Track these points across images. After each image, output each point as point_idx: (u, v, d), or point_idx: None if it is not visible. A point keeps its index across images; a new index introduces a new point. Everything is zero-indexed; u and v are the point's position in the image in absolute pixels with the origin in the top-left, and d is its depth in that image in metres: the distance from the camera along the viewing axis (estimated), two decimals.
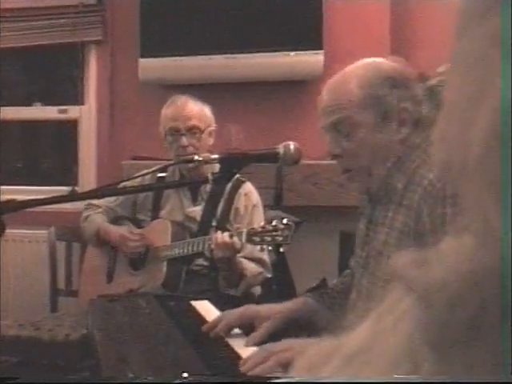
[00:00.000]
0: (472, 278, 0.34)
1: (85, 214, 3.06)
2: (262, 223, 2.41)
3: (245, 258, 2.66)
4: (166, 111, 2.92)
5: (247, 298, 2.69)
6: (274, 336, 1.67)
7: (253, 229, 2.38)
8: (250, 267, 2.68)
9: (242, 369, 1.42)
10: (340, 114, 1.63)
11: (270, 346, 1.51)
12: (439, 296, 0.35)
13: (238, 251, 2.50)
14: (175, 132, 2.85)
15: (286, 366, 1.38)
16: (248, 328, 1.75)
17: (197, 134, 2.84)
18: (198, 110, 2.89)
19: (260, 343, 1.63)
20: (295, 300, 1.86)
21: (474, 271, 0.34)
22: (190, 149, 2.78)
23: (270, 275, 2.77)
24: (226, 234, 2.46)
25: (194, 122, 2.85)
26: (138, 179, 2.70)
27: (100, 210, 3.04)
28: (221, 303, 2.49)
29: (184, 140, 2.82)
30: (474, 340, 0.33)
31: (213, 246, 2.50)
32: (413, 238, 1.50)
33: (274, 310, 1.75)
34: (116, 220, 3.04)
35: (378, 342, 0.39)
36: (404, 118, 1.61)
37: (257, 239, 2.34)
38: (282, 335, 1.66)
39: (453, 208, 1.43)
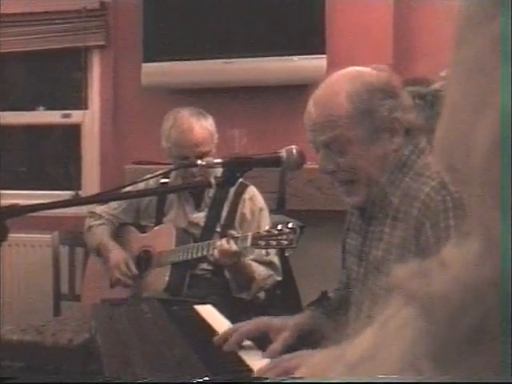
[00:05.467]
0: (475, 288, 0.33)
1: (87, 223, 3.03)
2: (268, 227, 2.41)
3: (254, 260, 2.66)
4: (170, 133, 2.85)
5: (254, 302, 2.70)
6: (289, 349, 1.66)
7: (258, 233, 2.37)
8: (259, 270, 2.67)
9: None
10: (332, 133, 1.59)
11: (281, 360, 1.49)
12: (441, 307, 0.34)
13: (239, 256, 2.50)
14: (184, 159, 2.81)
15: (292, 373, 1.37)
16: (258, 339, 1.73)
17: (205, 158, 2.81)
18: (204, 132, 2.82)
19: (280, 355, 1.61)
20: (304, 313, 1.84)
21: (477, 281, 0.33)
22: (199, 174, 2.75)
23: (279, 278, 2.77)
24: (224, 240, 2.46)
25: (201, 149, 2.79)
26: (141, 184, 2.69)
27: (102, 220, 3.01)
28: (230, 307, 2.50)
29: (194, 170, 2.78)
30: (477, 350, 0.33)
31: (216, 255, 2.49)
32: (415, 253, 1.47)
33: (287, 322, 1.73)
34: (119, 228, 3.04)
35: (381, 351, 0.39)
36: (396, 127, 1.59)
37: (262, 243, 2.34)
38: (296, 348, 1.64)
39: (456, 220, 1.41)
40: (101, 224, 3.01)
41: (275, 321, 1.74)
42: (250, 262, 2.63)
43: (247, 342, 1.72)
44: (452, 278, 0.35)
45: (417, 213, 1.49)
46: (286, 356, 1.49)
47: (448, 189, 1.44)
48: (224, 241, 2.46)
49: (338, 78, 1.65)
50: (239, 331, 1.69)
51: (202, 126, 2.83)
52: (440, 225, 1.44)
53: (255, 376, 1.45)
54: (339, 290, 1.90)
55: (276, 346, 1.65)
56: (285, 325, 1.71)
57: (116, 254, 2.88)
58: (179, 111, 2.90)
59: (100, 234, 2.97)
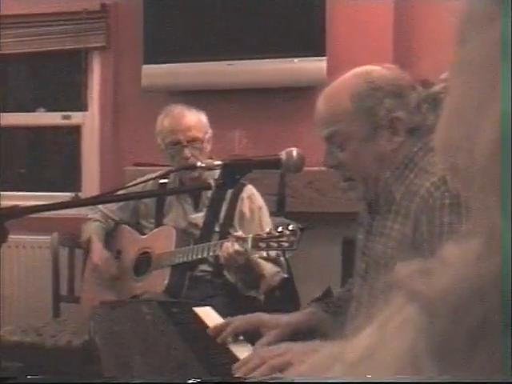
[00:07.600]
0: (476, 286, 0.33)
1: (89, 215, 3.10)
2: (268, 229, 2.41)
3: (261, 258, 2.66)
4: (163, 123, 2.91)
5: (254, 302, 2.70)
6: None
7: (258, 235, 2.37)
8: (268, 267, 2.68)
9: (237, 373, 1.43)
10: (332, 127, 1.65)
11: (264, 351, 1.51)
12: (443, 305, 0.34)
13: (246, 255, 2.50)
14: (176, 144, 2.84)
15: (279, 370, 1.38)
16: (252, 336, 1.75)
17: (197, 144, 2.84)
18: (195, 119, 2.89)
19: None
20: (302, 311, 1.85)
21: (478, 279, 0.33)
22: (193, 160, 2.77)
23: (286, 275, 2.77)
24: (230, 241, 2.46)
25: (193, 133, 2.85)
26: (140, 185, 2.69)
27: (98, 215, 3.06)
28: (230, 308, 2.50)
29: (187, 152, 2.81)
30: (478, 348, 0.33)
31: (223, 256, 2.49)
32: (411, 247, 1.49)
33: (281, 320, 1.75)
34: (119, 230, 3.05)
35: (380, 350, 0.39)
36: (396, 127, 1.60)
37: (263, 245, 2.34)
38: None
39: (451, 216, 1.43)
40: (95, 220, 3.05)
41: (268, 317, 1.78)
42: (258, 260, 2.63)
43: (240, 337, 1.75)
44: (453, 276, 0.35)
45: (415, 207, 1.51)
46: (269, 350, 1.50)
47: (448, 185, 1.45)
48: (230, 242, 2.46)
49: (346, 76, 1.69)
50: (232, 325, 1.74)
51: (193, 114, 2.92)
52: (435, 221, 1.45)
53: (236, 369, 1.46)
54: (349, 283, 1.91)
55: (263, 341, 1.68)
56: (277, 322, 1.74)
57: (97, 253, 2.95)
58: (171, 105, 3.00)
59: (90, 231, 3.03)
